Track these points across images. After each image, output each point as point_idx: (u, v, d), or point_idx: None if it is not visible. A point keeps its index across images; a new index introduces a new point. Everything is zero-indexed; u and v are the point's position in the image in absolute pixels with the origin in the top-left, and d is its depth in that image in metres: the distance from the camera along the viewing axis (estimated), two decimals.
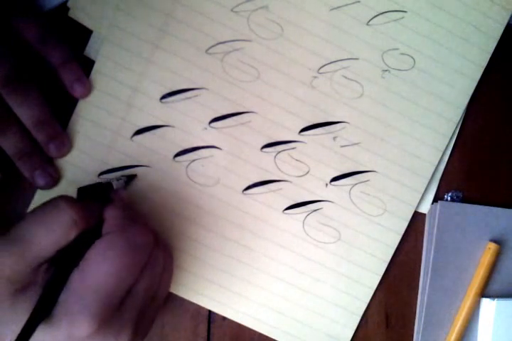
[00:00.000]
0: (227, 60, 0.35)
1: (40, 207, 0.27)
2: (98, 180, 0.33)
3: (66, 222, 0.26)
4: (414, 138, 0.37)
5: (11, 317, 0.24)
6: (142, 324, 0.28)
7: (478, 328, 0.38)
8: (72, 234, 0.26)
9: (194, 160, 0.35)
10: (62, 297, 0.25)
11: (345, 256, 0.36)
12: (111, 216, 0.28)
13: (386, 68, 0.37)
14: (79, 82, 0.33)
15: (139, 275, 0.27)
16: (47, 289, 0.25)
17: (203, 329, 0.36)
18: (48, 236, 0.25)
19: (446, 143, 0.38)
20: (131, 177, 0.34)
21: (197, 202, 0.35)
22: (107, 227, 0.28)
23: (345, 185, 0.37)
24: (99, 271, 0.25)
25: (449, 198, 0.39)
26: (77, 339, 0.24)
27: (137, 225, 0.28)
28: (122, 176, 0.33)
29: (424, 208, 0.38)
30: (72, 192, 0.33)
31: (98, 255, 0.26)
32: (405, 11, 0.37)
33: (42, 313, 0.24)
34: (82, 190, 0.30)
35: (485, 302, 0.37)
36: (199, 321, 0.36)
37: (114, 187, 0.32)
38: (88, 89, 0.33)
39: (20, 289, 0.25)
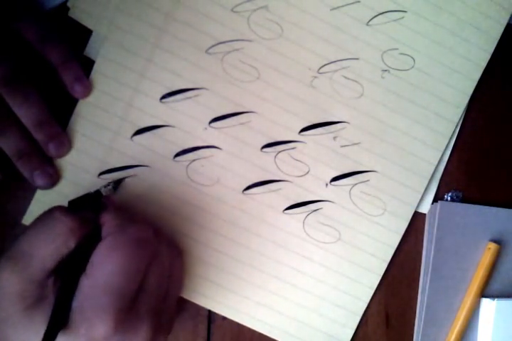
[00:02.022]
0: (227, 60, 0.35)
1: (36, 220, 0.27)
2: (97, 181, 0.33)
3: (63, 231, 0.26)
4: (414, 138, 0.37)
5: (30, 333, 0.25)
6: (160, 320, 0.28)
7: (478, 328, 0.38)
8: (72, 242, 0.26)
9: (194, 160, 0.35)
10: (75, 303, 0.25)
11: (345, 256, 0.36)
12: (107, 220, 0.29)
13: (386, 68, 0.37)
14: (79, 82, 0.33)
15: (146, 271, 0.27)
16: (59, 299, 0.25)
17: (203, 329, 0.36)
18: (47, 247, 0.26)
19: (446, 143, 0.38)
20: (119, 182, 0.34)
21: (197, 202, 0.35)
22: (105, 230, 0.28)
23: (346, 185, 0.37)
24: (106, 271, 0.26)
25: (449, 198, 0.39)
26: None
27: (134, 223, 0.29)
28: (109, 182, 0.33)
29: (424, 208, 0.38)
30: (72, 192, 0.33)
31: (102, 257, 0.26)
32: (405, 11, 0.37)
33: (58, 322, 0.25)
34: (72, 203, 0.30)
35: (485, 302, 0.37)
36: (199, 321, 0.36)
37: (104, 194, 0.32)
38: (88, 89, 0.33)
39: (32, 304, 0.25)
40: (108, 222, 0.29)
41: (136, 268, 0.27)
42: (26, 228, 0.27)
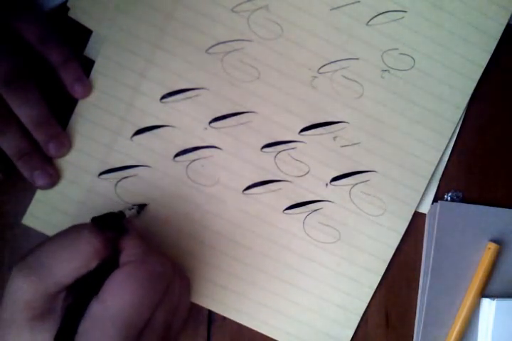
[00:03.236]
0: (227, 60, 0.35)
1: (61, 234, 0.27)
2: (97, 181, 0.33)
3: (89, 252, 0.26)
4: (414, 138, 0.37)
5: None
6: None
7: (478, 328, 0.38)
8: (94, 263, 0.26)
9: (194, 160, 0.35)
10: (82, 327, 0.25)
11: (345, 256, 0.36)
12: (128, 245, 0.28)
13: (386, 68, 0.37)
14: (79, 82, 0.33)
15: (157, 305, 0.27)
16: (67, 318, 0.25)
17: (203, 329, 0.36)
18: (68, 265, 0.25)
19: (446, 143, 0.38)
20: (143, 206, 0.34)
21: (197, 202, 0.35)
22: (125, 257, 0.28)
23: (346, 185, 0.37)
24: (119, 301, 0.25)
25: (449, 198, 0.39)
26: None
27: (155, 255, 0.28)
28: (134, 205, 0.33)
29: (424, 208, 0.38)
30: (72, 192, 0.33)
31: (118, 285, 0.26)
32: (405, 11, 0.37)
33: None
34: (96, 220, 0.29)
35: (485, 302, 0.37)
36: (199, 321, 0.36)
37: (127, 216, 0.31)
38: (88, 89, 0.33)
39: (38, 316, 0.25)
40: (128, 248, 0.28)
41: (149, 303, 0.26)
42: (50, 238, 0.26)
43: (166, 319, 0.28)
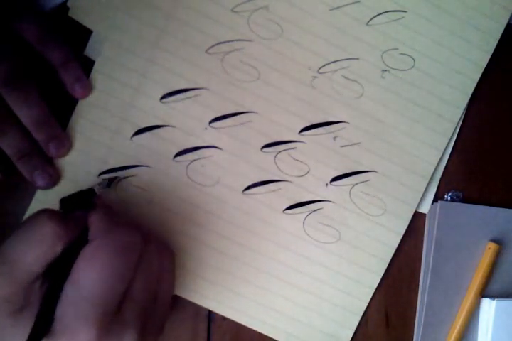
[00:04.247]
0: (227, 60, 0.35)
1: (22, 223, 0.26)
2: (97, 181, 0.33)
3: (49, 236, 0.25)
4: (414, 138, 0.37)
5: (12, 338, 0.24)
6: (149, 325, 0.28)
7: (478, 328, 0.38)
8: (58, 247, 0.25)
9: (194, 160, 0.35)
10: (59, 311, 0.25)
11: (345, 256, 0.36)
12: (94, 221, 0.28)
13: (386, 68, 0.37)
14: (79, 82, 0.33)
15: (132, 277, 0.27)
16: (43, 306, 0.25)
17: (203, 329, 0.36)
18: (33, 252, 0.25)
19: (446, 143, 0.38)
20: (112, 179, 0.33)
21: (197, 202, 0.35)
22: (92, 233, 0.27)
23: (346, 185, 0.37)
24: (89, 278, 0.25)
25: (449, 198, 0.39)
26: None
27: (121, 226, 0.28)
28: (103, 179, 0.33)
29: (424, 208, 0.38)
30: (71, 190, 0.33)
31: (86, 263, 0.25)
32: (405, 11, 0.37)
33: (41, 331, 0.24)
34: (65, 200, 0.29)
35: (485, 302, 0.37)
36: (199, 321, 0.36)
37: (97, 192, 0.31)
38: (88, 89, 0.33)
39: (18, 309, 0.24)
40: (94, 224, 0.28)
41: (121, 275, 0.26)
42: (14, 231, 0.26)
43: (145, 289, 0.27)
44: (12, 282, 0.24)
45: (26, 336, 0.24)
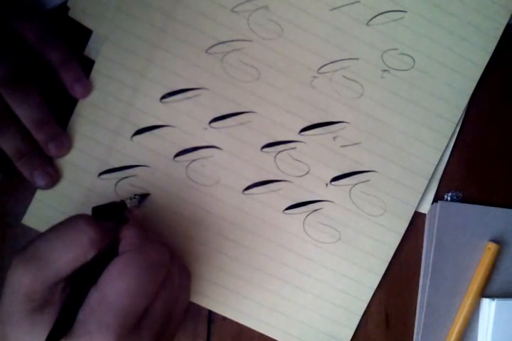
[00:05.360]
0: (227, 60, 0.35)
1: (58, 225, 0.27)
2: (97, 181, 0.33)
3: (85, 242, 0.26)
4: (414, 138, 0.37)
5: (29, 337, 0.24)
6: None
7: (478, 328, 0.38)
8: (91, 254, 0.26)
9: (194, 160, 0.35)
10: (80, 315, 0.25)
11: (346, 256, 0.36)
12: (127, 235, 0.28)
13: (386, 68, 0.37)
14: (79, 82, 0.33)
15: (155, 294, 0.27)
16: (65, 308, 0.25)
17: (202, 329, 0.36)
18: (66, 255, 0.25)
19: (446, 143, 0.38)
20: (144, 196, 0.34)
21: (197, 202, 0.35)
22: (123, 246, 0.28)
23: (346, 185, 0.37)
24: (117, 289, 0.25)
25: (449, 198, 0.39)
26: None
27: (153, 243, 0.28)
28: (136, 195, 0.33)
29: (424, 208, 0.38)
30: (72, 192, 0.33)
31: (116, 274, 0.26)
32: (405, 11, 0.37)
33: (60, 332, 0.24)
34: (96, 210, 0.29)
35: (485, 302, 0.37)
36: (199, 321, 0.36)
37: (128, 206, 0.31)
38: (88, 89, 0.33)
39: (38, 308, 0.25)
40: (127, 237, 0.28)
41: (147, 291, 0.26)
42: (47, 231, 0.26)
43: (165, 308, 0.28)
44: (39, 281, 0.25)
45: (44, 335, 0.24)
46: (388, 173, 0.37)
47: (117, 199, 0.31)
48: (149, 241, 0.29)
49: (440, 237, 0.37)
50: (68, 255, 0.25)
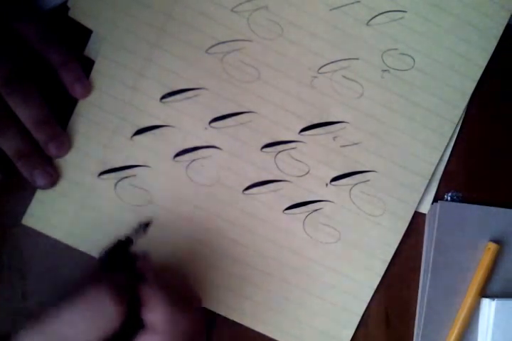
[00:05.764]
0: (227, 60, 0.35)
1: (79, 296, 0.25)
2: (97, 181, 0.33)
3: (110, 315, 0.24)
4: (414, 138, 0.37)
5: None
6: None
7: (478, 328, 0.38)
8: (116, 326, 0.24)
9: (194, 160, 0.35)
10: None
11: (346, 256, 0.36)
12: (149, 300, 0.26)
13: (386, 68, 0.37)
14: (79, 82, 0.33)
15: None
16: None
17: None
18: (89, 331, 0.24)
19: (446, 143, 0.38)
20: (148, 224, 0.33)
21: (197, 202, 0.35)
22: (149, 316, 0.26)
23: (346, 185, 0.37)
24: None
25: (449, 198, 0.39)
26: None
27: (186, 313, 0.27)
28: (140, 224, 0.33)
29: (424, 208, 0.38)
30: (72, 192, 0.33)
31: None
32: (405, 11, 0.37)
33: None
34: (104, 260, 0.28)
35: (485, 302, 0.37)
36: None
37: (134, 240, 0.30)
38: (88, 89, 0.33)
39: None
40: (151, 305, 0.26)
41: None
42: (66, 302, 0.25)
43: None
44: None
45: None
46: (388, 173, 0.37)
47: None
48: (178, 311, 0.26)
49: (440, 237, 0.37)
50: (91, 331, 0.24)
